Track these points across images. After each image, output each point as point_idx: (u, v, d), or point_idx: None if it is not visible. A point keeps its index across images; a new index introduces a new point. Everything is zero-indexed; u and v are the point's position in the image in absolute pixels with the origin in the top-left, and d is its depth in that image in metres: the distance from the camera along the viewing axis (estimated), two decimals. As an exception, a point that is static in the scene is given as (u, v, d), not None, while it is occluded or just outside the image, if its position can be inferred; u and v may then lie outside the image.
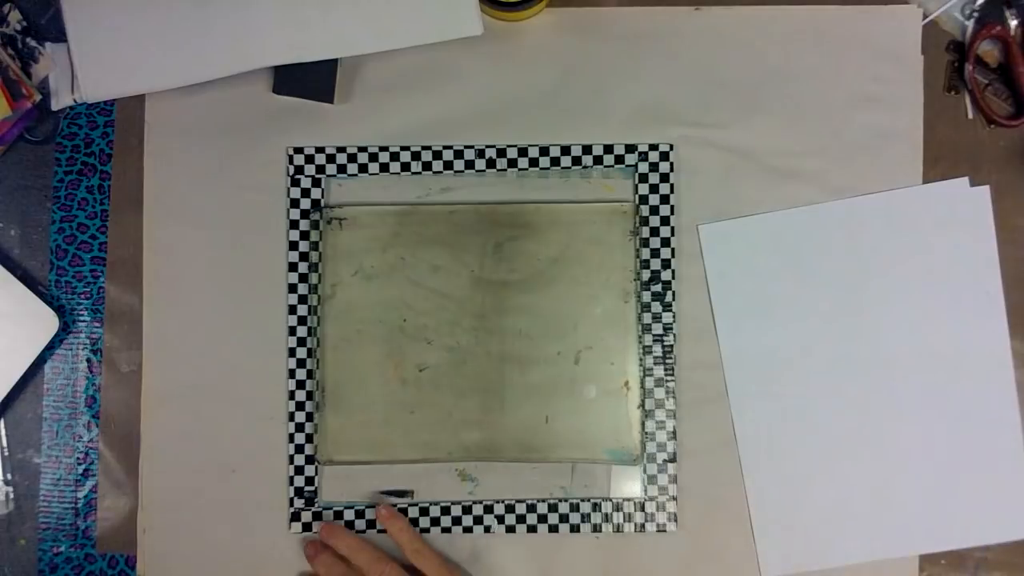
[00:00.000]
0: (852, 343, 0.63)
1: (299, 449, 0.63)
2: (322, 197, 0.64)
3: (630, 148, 0.64)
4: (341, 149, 0.65)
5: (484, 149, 0.64)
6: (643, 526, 0.63)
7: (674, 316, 0.64)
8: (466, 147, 0.64)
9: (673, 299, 0.64)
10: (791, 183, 0.64)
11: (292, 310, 0.64)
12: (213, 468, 0.64)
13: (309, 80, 0.63)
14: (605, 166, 0.64)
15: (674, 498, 0.63)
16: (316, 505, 0.63)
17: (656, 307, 0.64)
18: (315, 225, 0.64)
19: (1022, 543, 0.63)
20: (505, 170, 0.64)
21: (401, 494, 0.63)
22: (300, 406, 0.64)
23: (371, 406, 0.63)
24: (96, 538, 0.64)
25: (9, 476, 0.64)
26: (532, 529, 0.63)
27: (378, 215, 0.64)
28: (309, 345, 0.64)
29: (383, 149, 0.65)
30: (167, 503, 0.64)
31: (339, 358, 0.64)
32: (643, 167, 0.64)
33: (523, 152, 0.64)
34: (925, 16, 0.65)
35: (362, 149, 0.65)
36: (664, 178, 0.64)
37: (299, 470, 0.63)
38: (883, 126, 0.64)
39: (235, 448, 0.64)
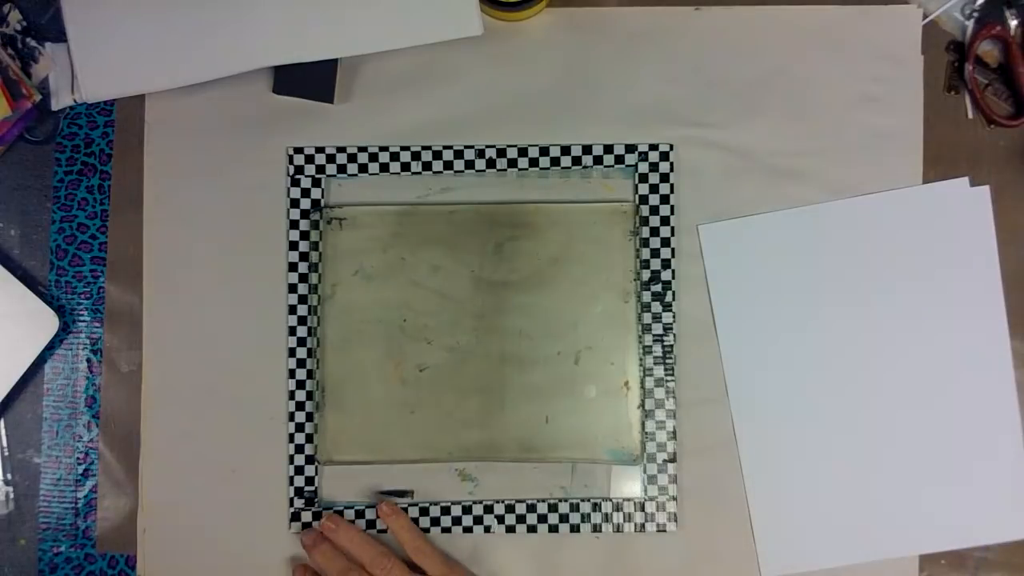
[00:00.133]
0: (852, 343, 0.63)
1: (299, 449, 0.63)
2: (322, 197, 0.64)
3: (630, 148, 0.64)
4: (341, 149, 0.65)
5: (484, 149, 0.64)
6: (643, 526, 0.63)
7: (674, 316, 0.64)
8: (466, 147, 0.64)
9: (673, 299, 0.64)
10: (791, 183, 0.64)
11: (292, 310, 0.64)
12: (213, 468, 0.64)
13: (309, 80, 0.63)
14: (605, 166, 0.64)
15: (674, 498, 0.63)
16: (316, 505, 0.63)
17: (656, 307, 0.64)
18: (315, 225, 0.64)
19: (1022, 543, 0.63)
20: (505, 170, 0.64)
21: (401, 494, 0.63)
22: (300, 406, 0.64)
23: (371, 406, 0.63)
24: (96, 538, 0.64)
25: (9, 476, 0.64)
26: (532, 529, 0.63)
27: (378, 215, 0.64)
28: (309, 345, 0.64)
29: (383, 149, 0.65)
30: (167, 503, 0.64)
31: (339, 358, 0.64)
32: (643, 167, 0.64)
33: (523, 152, 0.64)
34: (925, 16, 0.65)
35: (362, 149, 0.65)
36: (664, 178, 0.64)
37: (299, 470, 0.63)
38: (883, 126, 0.64)
39: (235, 448, 0.64)
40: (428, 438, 0.63)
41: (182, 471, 0.64)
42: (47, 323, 0.63)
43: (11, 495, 0.64)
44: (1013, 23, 0.64)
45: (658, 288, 0.64)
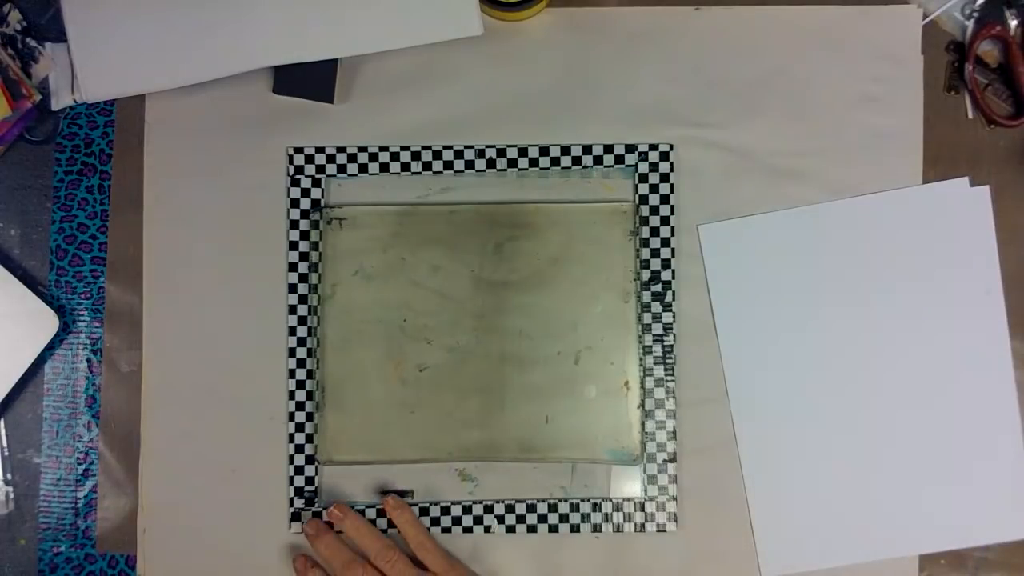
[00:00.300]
0: (852, 343, 0.63)
1: (299, 449, 0.63)
2: (322, 197, 0.64)
3: (630, 148, 0.64)
4: (341, 149, 0.65)
5: (484, 149, 0.64)
6: (643, 526, 0.63)
7: (674, 316, 0.64)
8: (466, 147, 0.64)
9: (673, 299, 0.64)
10: (791, 183, 0.64)
11: (292, 310, 0.64)
12: (213, 468, 0.64)
13: (309, 80, 0.63)
14: (605, 166, 0.64)
15: (674, 498, 0.63)
16: (316, 505, 0.63)
17: (656, 307, 0.64)
18: (315, 225, 0.64)
19: (1022, 543, 0.63)
20: (505, 170, 0.64)
21: (401, 494, 0.63)
22: (300, 406, 0.64)
23: (371, 406, 0.63)
24: (96, 538, 0.64)
25: (9, 476, 0.64)
26: (532, 529, 0.63)
27: (378, 215, 0.64)
28: (309, 345, 0.64)
29: (383, 149, 0.65)
30: (167, 503, 0.64)
31: (339, 358, 0.64)
32: (643, 167, 0.64)
33: (523, 152, 0.64)
34: (925, 16, 0.65)
35: (362, 149, 0.65)
36: (664, 178, 0.64)
37: (299, 470, 0.63)
38: (883, 126, 0.64)
39: (235, 448, 0.64)
40: (428, 438, 0.63)
41: (182, 471, 0.64)
42: (47, 323, 0.63)
43: (11, 495, 0.64)
44: (1013, 23, 0.64)
45: (658, 288, 0.64)
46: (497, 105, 0.65)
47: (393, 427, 0.63)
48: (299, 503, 0.63)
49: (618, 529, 0.63)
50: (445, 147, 0.64)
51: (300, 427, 0.63)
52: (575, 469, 0.63)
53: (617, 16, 0.65)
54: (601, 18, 0.65)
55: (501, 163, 0.64)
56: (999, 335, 0.63)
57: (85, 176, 0.65)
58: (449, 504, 0.63)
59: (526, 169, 0.64)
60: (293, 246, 0.64)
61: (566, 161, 0.64)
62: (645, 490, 0.63)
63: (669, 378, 0.63)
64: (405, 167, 0.64)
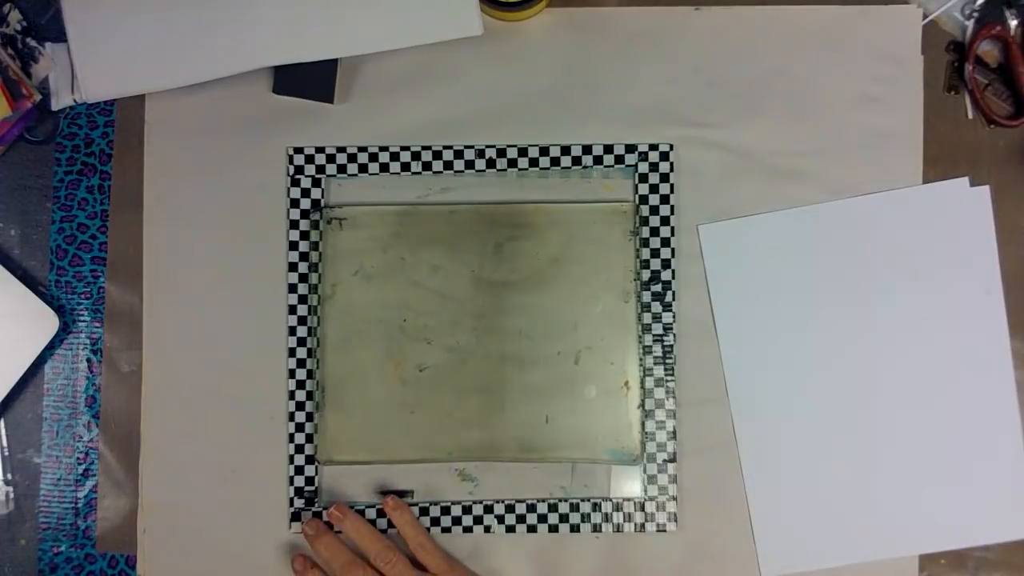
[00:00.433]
0: (852, 343, 0.63)
1: (299, 449, 0.63)
2: (322, 197, 0.64)
3: (630, 148, 0.64)
4: (341, 149, 0.65)
5: (484, 149, 0.64)
6: (643, 526, 0.63)
7: (674, 316, 0.64)
8: (466, 147, 0.64)
9: (673, 299, 0.64)
10: (791, 183, 0.64)
11: (292, 310, 0.64)
12: (213, 468, 0.64)
13: (309, 80, 0.63)
14: (605, 166, 0.64)
15: (674, 498, 0.63)
16: (316, 505, 0.63)
17: (656, 307, 0.64)
18: (315, 225, 0.64)
19: (1022, 543, 0.63)
20: (505, 170, 0.64)
21: (401, 494, 0.63)
22: (300, 406, 0.64)
23: (371, 406, 0.63)
24: (96, 538, 0.64)
25: (9, 476, 0.64)
26: (532, 529, 0.63)
27: (378, 215, 0.64)
28: (309, 345, 0.64)
29: (383, 149, 0.65)
30: (167, 503, 0.64)
31: (339, 358, 0.64)
32: (643, 167, 0.64)
33: (523, 152, 0.64)
34: (925, 16, 0.65)
35: (362, 149, 0.65)
36: (664, 178, 0.64)
37: (299, 470, 0.63)
38: (883, 126, 0.64)
39: (235, 448, 0.64)
40: (428, 438, 0.63)
41: (182, 471, 0.64)
42: (47, 323, 0.63)
43: (11, 495, 0.64)
44: (1013, 23, 0.64)
45: (658, 288, 0.64)
46: (497, 105, 0.65)
47: (393, 427, 0.63)
48: (299, 503, 0.63)
49: (618, 529, 0.63)
50: (445, 147, 0.64)
51: (300, 427, 0.64)
52: (575, 469, 0.64)
53: (617, 16, 0.65)
54: (601, 18, 0.65)
55: (501, 163, 0.64)
56: (999, 335, 0.63)
57: (85, 176, 0.65)
58: (449, 504, 0.63)
59: (526, 169, 0.64)
60: (293, 246, 0.64)
61: (566, 161, 0.64)
62: (645, 490, 0.63)
63: (669, 378, 0.63)
64: (405, 167, 0.64)
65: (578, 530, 0.63)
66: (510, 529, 0.63)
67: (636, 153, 0.64)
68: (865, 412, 0.63)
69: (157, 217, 0.65)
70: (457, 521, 0.63)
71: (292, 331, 0.64)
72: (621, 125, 0.65)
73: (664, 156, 0.64)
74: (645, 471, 0.63)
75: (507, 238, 0.64)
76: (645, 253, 0.64)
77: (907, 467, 0.63)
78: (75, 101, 0.65)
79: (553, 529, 0.63)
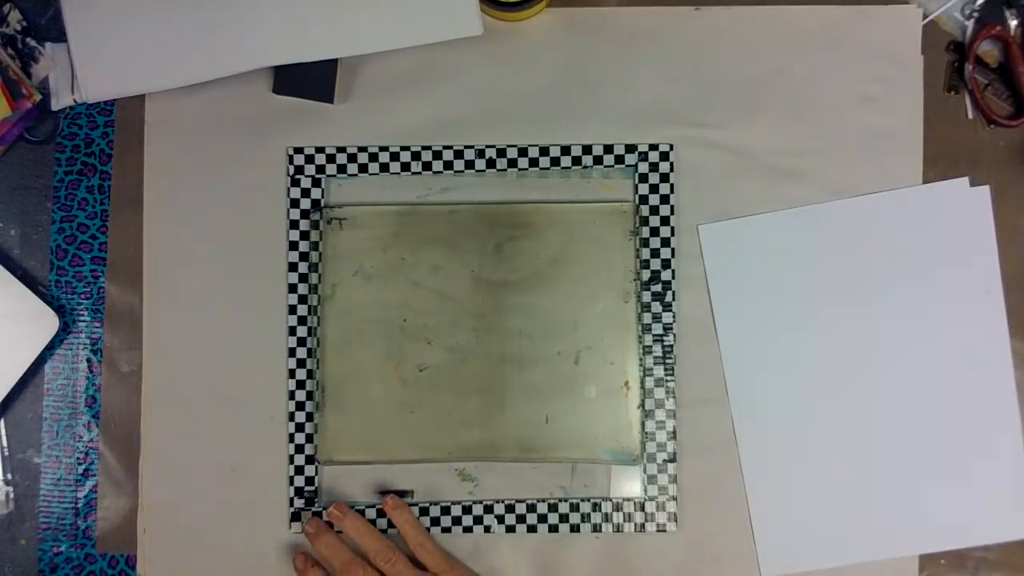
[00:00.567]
0: (852, 343, 0.63)
1: (299, 449, 0.63)
2: (322, 197, 0.64)
3: (630, 148, 0.64)
4: (341, 149, 0.65)
5: (484, 149, 0.64)
6: (643, 526, 0.63)
7: (674, 316, 0.64)
8: (466, 147, 0.64)
9: (673, 299, 0.64)
10: (791, 183, 0.64)
11: (292, 310, 0.64)
12: (213, 468, 0.64)
13: (309, 80, 0.63)
14: (605, 166, 0.64)
15: (674, 498, 0.63)
16: (316, 505, 0.63)
17: (656, 307, 0.64)
18: (315, 225, 0.64)
19: (1022, 543, 0.63)
20: (505, 170, 0.64)
21: (401, 494, 0.63)
22: (300, 406, 0.64)
23: (371, 406, 0.63)
24: (96, 538, 0.64)
25: (9, 476, 0.64)
26: (532, 529, 0.63)
27: (378, 215, 0.64)
28: (309, 345, 0.64)
29: (383, 149, 0.65)
30: (167, 503, 0.64)
31: (339, 358, 0.64)
32: (643, 167, 0.64)
33: (523, 152, 0.64)
34: (925, 16, 0.65)
35: (362, 149, 0.65)
36: (664, 178, 0.64)
37: (299, 470, 0.63)
38: (883, 126, 0.64)
39: (235, 448, 0.64)
40: (428, 438, 0.63)
41: (182, 471, 0.64)
42: (47, 323, 0.63)
43: (11, 495, 0.64)
44: (1013, 23, 0.64)
45: (658, 288, 0.64)
46: (497, 105, 0.65)
47: (393, 427, 0.63)
48: (299, 503, 0.63)
49: (618, 529, 0.63)
50: (445, 147, 0.64)
51: (300, 427, 0.64)
52: (575, 469, 0.64)
53: (617, 16, 0.65)
54: (601, 18, 0.65)
55: (501, 163, 0.64)
56: (999, 335, 0.63)
57: (85, 176, 0.65)
58: (449, 504, 0.63)
59: (526, 169, 0.64)
60: (293, 246, 0.64)
61: (566, 161, 0.64)
62: (645, 490, 0.63)
63: (669, 378, 0.63)
64: (405, 167, 0.64)
65: (578, 530, 0.63)
66: (510, 529, 0.63)
67: (636, 153, 0.64)
68: (865, 412, 0.63)
69: (157, 217, 0.65)
70: (457, 521, 0.63)
71: (292, 331, 0.64)
72: (621, 125, 0.65)
73: (664, 156, 0.64)
74: (645, 471, 0.63)
75: (507, 238, 0.64)
76: (645, 253, 0.64)
77: (907, 467, 0.63)
78: (75, 101, 0.65)
79: (553, 529, 0.63)
